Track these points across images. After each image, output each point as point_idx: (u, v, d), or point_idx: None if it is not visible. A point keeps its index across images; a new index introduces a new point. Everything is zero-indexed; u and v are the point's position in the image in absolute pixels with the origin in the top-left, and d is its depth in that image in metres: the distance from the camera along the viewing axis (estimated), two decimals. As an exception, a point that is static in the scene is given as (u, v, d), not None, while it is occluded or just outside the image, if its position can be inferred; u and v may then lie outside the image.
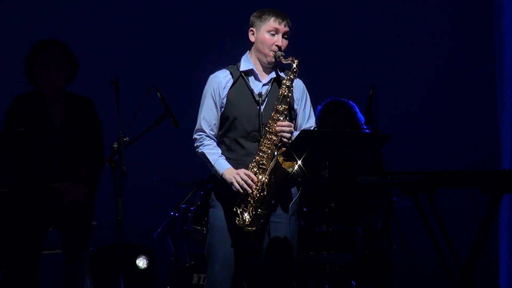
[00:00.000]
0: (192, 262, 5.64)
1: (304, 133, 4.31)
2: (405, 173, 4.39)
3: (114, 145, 4.58)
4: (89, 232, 4.93)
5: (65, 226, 4.85)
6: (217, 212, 4.34)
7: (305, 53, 6.88)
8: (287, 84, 4.24)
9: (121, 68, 6.31)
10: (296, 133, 4.35)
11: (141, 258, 6.36)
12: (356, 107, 5.62)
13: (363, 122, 5.45)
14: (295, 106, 4.37)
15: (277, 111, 4.22)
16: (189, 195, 5.98)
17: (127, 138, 4.63)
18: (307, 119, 4.42)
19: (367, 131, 5.08)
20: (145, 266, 6.35)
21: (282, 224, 4.31)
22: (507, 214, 6.74)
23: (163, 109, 5.03)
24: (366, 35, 7.05)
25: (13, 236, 4.75)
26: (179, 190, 6.26)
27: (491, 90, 6.91)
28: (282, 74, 4.37)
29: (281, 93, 4.23)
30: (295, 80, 4.32)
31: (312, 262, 5.32)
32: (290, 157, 4.18)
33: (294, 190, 4.37)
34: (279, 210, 4.31)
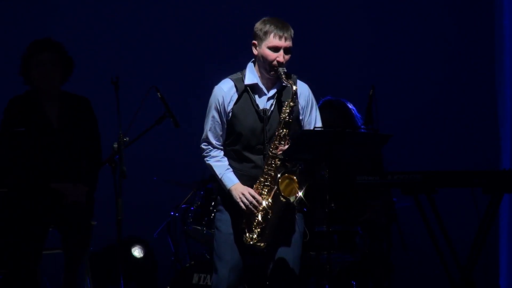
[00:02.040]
0: (192, 262, 5.64)
1: (304, 133, 4.30)
2: (405, 173, 4.39)
3: (114, 145, 4.57)
4: (89, 232, 4.93)
5: (65, 226, 4.85)
6: (224, 217, 4.34)
7: (305, 53, 6.94)
8: (288, 111, 4.22)
9: (121, 68, 6.31)
10: None
11: (136, 248, 6.39)
12: (353, 107, 5.61)
13: (361, 122, 5.45)
14: (300, 117, 4.36)
15: (279, 136, 4.22)
16: (189, 195, 5.98)
17: (127, 138, 4.63)
18: (313, 124, 4.41)
19: (364, 131, 5.08)
20: (141, 255, 6.37)
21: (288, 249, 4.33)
22: (507, 214, 6.74)
23: (163, 109, 5.02)
24: (366, 35, 7.05)
25: (13, 236, 4.75)
26: (179, 190, 6.26)
27: (491, 90, 6.91)
28: (288, 85, 4.30)
29: (282, 118, 4.22)
30: (301, 85, 4.32)
31: (312, 262, 5.32)
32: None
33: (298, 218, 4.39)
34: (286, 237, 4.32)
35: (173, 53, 6.97)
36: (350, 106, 5.62)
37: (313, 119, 4.41)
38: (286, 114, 4.22)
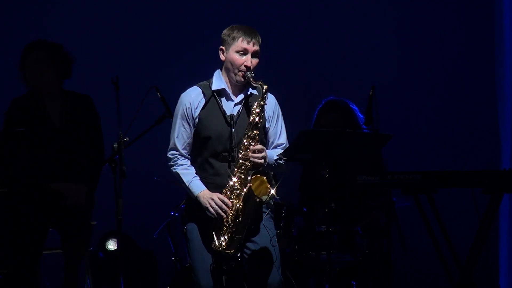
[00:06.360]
0: (192, 262, 5.63)
1: (304, 133, 4.30)
2: (405, 173, 4.39)
3: (114, 145, 4.58)
4: (89, 232, 4.94)
5: (65, 226, 4.85)
6: (192, 226, 4.30)
7: (305, 53, 6.94)
8: (257, 111, 4.20)
9: (121, 68, 6.31)
10: (272, 153, 4.29)
11: (110, 241, 6.39)
12: (355, 107, 5.62)
13: (362, 122, 5.45)
14: (267, 125, 4.34)
15: (249, 137, 4.19)
16: (189, 195, 5.97)
17: (127, 138, 4.63)
18: (278, 135, 4.37)
19: (367, 131, 5.08)
20: (115, 248, 6.39)
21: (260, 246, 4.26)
22: (507, 214, 6.74)
23: (163, 109, 5.03)
24: (366, 35, 7.05)
25: (13, 236, 4.75)
26: (179, 190, 6.24)
27: (491, 90, 6.91)
28: (254, 92, 4.32)
29: (252, 120, 4.19)
30: (269, 96, 4.29)
31: (312, 262, 5.32)
32: (268, 181, 4.17)
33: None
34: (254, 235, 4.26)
35: (173, 53, 6.97)
36: (353, 106, 5.63)
37: (278, 131, 4.37)
38: (256, 114, 4.19)
